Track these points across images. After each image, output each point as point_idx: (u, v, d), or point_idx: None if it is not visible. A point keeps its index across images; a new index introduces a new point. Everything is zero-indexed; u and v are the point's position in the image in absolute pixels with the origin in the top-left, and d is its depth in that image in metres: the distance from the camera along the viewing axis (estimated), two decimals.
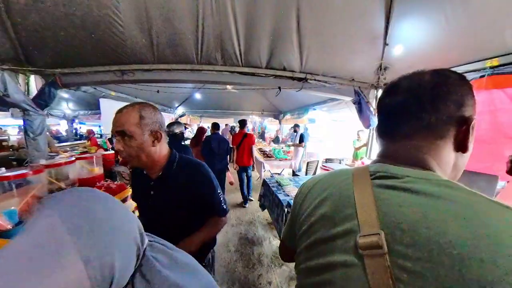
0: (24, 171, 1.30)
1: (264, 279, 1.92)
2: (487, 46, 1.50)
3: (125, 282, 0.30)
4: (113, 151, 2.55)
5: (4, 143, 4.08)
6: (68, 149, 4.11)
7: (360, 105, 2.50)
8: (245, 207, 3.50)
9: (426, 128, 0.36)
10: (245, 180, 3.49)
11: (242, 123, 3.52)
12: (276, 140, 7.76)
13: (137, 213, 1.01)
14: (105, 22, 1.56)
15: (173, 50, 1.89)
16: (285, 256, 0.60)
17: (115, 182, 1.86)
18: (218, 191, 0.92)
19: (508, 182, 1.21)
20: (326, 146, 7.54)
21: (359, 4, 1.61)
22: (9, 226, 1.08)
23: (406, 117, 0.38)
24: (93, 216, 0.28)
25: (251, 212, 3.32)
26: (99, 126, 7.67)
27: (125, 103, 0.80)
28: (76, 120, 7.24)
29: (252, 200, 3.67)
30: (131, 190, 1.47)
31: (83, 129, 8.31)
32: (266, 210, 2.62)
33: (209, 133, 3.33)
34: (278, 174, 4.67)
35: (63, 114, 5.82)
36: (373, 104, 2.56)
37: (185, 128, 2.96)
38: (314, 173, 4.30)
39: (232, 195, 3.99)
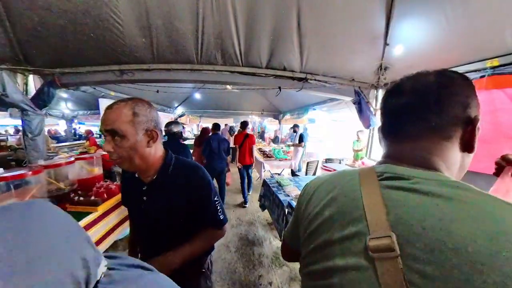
0: (22, 172, 1.29)
1: (264, 280, 1.91)
2: (488, 46, 1.50)
3: None
4: None
5: (2, 143, 4.06)
6: (66, 149, 4.09)
7: (360, 105, 2.50)
8: (245, 207, 3.54)
9: (433, 129, 0.36)
10: (246, 179, 3.63)
11: (244, 125, 3.73)
12: (275, 140, 7.77)
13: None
14: (105, 21, 1.55)
15: (173, 50, 1.88)
16: (286, 256, 0.60)
17: (115, 183, 1.85)
18: (215, 199, 0.82)
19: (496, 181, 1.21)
20: (326, 146, 7.55)
21: (359, 4, 1.61)
22: None
23: (412, 118, 0.38)
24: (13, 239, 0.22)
25: (251, 213, 3.32)
26: (98, 126, 7.63)
27: None
28: (75, 120, 7.22)
29: (249, 194, 3.79)
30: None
31: (82, 129, 8.29)
32: (266, 211, 2.61)
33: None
34: (278, 174, 4.67)
35: (62, 114, 5.80)
36: (373, 104, 2.56)
37: (183, 127, 2.98)
38: (314, 173, 4.30)
39: (232, 196, 4.01)
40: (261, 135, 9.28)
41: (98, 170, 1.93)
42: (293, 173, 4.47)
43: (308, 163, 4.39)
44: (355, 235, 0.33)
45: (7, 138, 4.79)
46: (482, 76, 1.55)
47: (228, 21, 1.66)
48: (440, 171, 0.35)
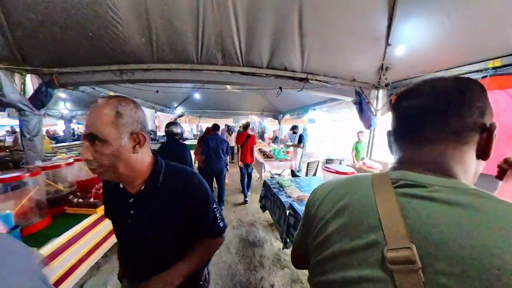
0: (19, 173, 1.27)
1: (266, 282, 1.90)
2: (490, 47, 1.49)
3: None
4: None
5: (0, 144, 4.01)
6: (64, 150, 4.06)
7: (361, 105, 2.49)
8: (246, 202, 3.67)
9: (452, 134, 0.35)
10: (246, 177, 3.80)
11: (246, 126, 4.01)
12: (275, 140, 7.77)
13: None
14: (104, 21, 1.53)
15: (173, 50, 1.86)
16: (298, 264, 0.57)
17: None
18: (214, 206, 0.76)
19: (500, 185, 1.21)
20: (326, 146, 7.55)
21: (362, 5, 1.60)
22: (5, 231, 1.05)
23: (431, 122, 0.37)
24: None
25: (251, 214, 3.30)
26: None
27: None
28: (74, 121, 7.17)
29: (248, 193, 3.89)
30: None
31: (80, 130, 8.24)
32: (266, 212, 2.60)
33: None
34: (278, 174, 4.66)
35: (60, 114, 5.76)
36: (374, 105, 2.55)
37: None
38: (315, 173, 4.29)
39: (232, 196, 4.02)
40: (261, 135, 9.27)
41: None
42: (293, 174, 4.46)
43: (308, 163, 4.38)
44: (371, 246, 0.32)
45: (5, 139, 4.75)
46: (484, 77, 1.55)
47: (228, 20, 1.65)
48: (457, 177, 0.34)
